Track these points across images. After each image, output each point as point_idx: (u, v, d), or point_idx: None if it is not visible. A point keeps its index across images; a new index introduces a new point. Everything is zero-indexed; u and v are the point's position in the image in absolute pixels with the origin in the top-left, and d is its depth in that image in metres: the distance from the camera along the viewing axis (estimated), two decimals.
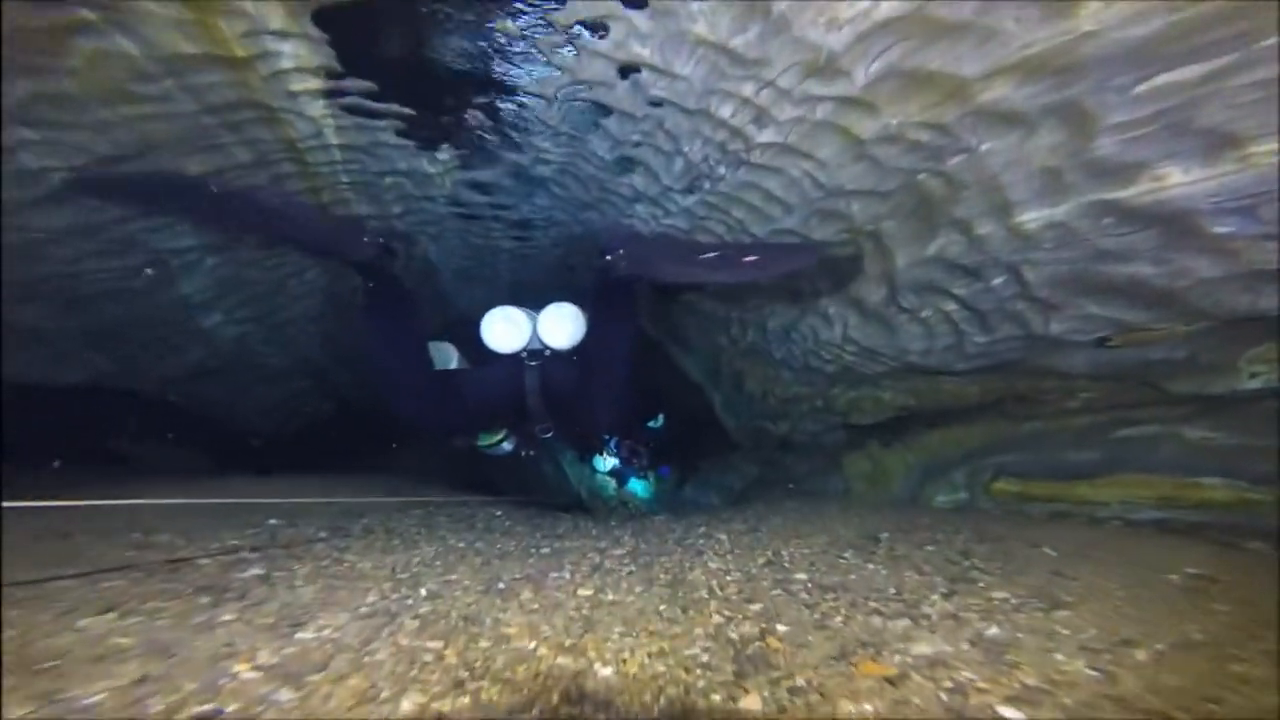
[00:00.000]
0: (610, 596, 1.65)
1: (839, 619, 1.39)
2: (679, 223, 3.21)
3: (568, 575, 1.83)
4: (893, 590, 1.53)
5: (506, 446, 3.38)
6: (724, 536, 2.30)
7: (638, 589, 1.71)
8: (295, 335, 3.84)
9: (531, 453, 3.55)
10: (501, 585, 1.70)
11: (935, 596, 1.44)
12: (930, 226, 2.24)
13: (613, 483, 6.06)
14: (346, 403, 5.30)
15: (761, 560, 1.91)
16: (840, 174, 2.35)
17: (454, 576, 1.73)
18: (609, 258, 2.61)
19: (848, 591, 1.55)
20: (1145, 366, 2.26)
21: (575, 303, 3.05)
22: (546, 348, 2.98)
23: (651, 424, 5.11)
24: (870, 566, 1.72)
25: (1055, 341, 2.21)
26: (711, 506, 4.24)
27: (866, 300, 2.76)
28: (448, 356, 3.21)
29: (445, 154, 2.95)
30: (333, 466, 4.46)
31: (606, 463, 4.92)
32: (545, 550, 2.18)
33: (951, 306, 2.42)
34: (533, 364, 2.95)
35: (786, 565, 1.84)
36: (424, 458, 5.59)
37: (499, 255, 4.20)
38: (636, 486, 6.08)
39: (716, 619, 1.46)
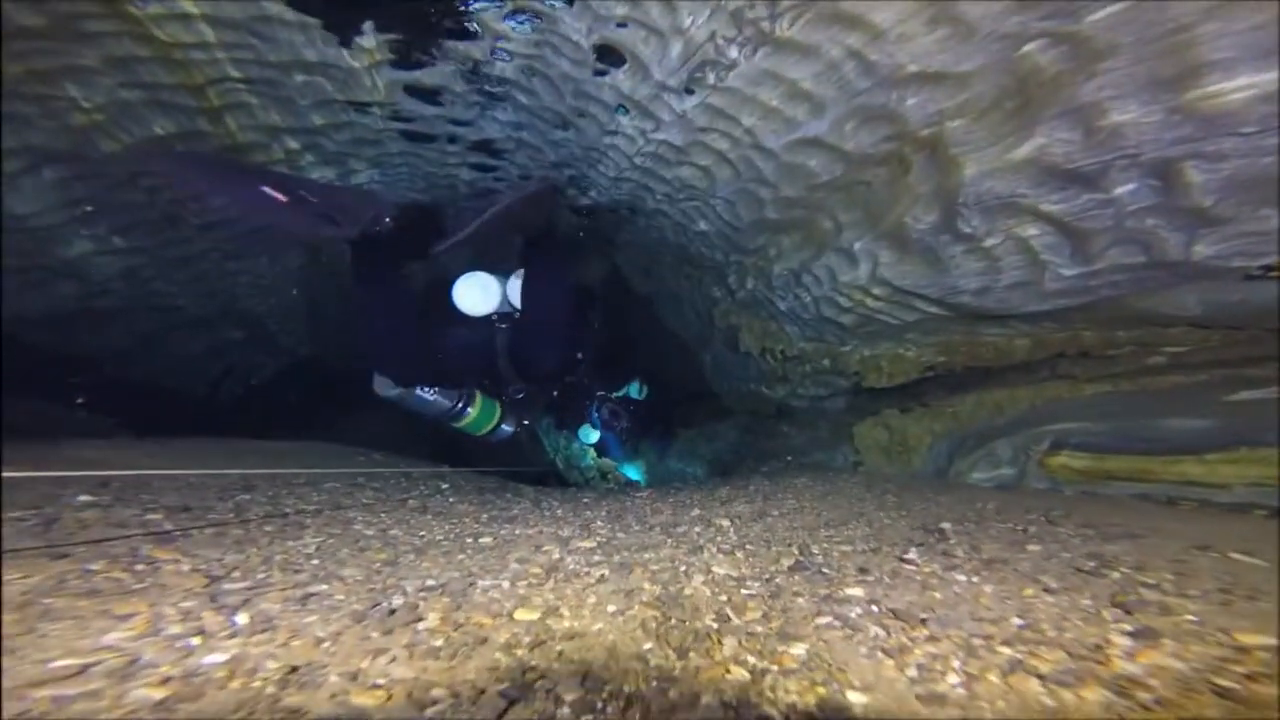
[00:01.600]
0: (566, 623, 1.03)
1: (955, 681, 0.78)
2: (672, 137, 2.54)
3: (507, 583, 1.20)
4: (1019, 620, 0.92)
5: (506, 428, 3.21)
6: (726, 523, 1.68)
7: (609, 609, 1.09)
8: (209, 273, 3.12)
9: (526, 422, 3.35)
10: (396, 602, 1.06)
11: (1119, 638, 0.83)
12: (1026, 120, 1.60)
13: (592, 451, 5.47)
14: (302, 361, 4.59)
15: (787, 562, 1.29)
16: (903, 49, 1.69)
17: (323, 587, 1.09)
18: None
19: (944, 624, 0.93)
20: None
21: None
22: (516, 310, 2.96)
23: (634, 393, 4.53)
24: (959, 577, 1.11)
25: (1189, 271, 1.59)
26: (701, 480, 3.64)
27: (909, 229, 2.13)
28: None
29: (369, 39, 2.21)
30: (279, 433, 3.78)
31: (591, 434, 4.34)
32: (486, 540, 1.55)
33: (1032, 230, 1.80)
34: (503, 326, 2.95)
35: (826, 571, 1.22)
36: (395, 427, 4.87)
37: (457, 189, 3.47)
38: (629, 470, 5.51)
39: (738, 674, 0.85)
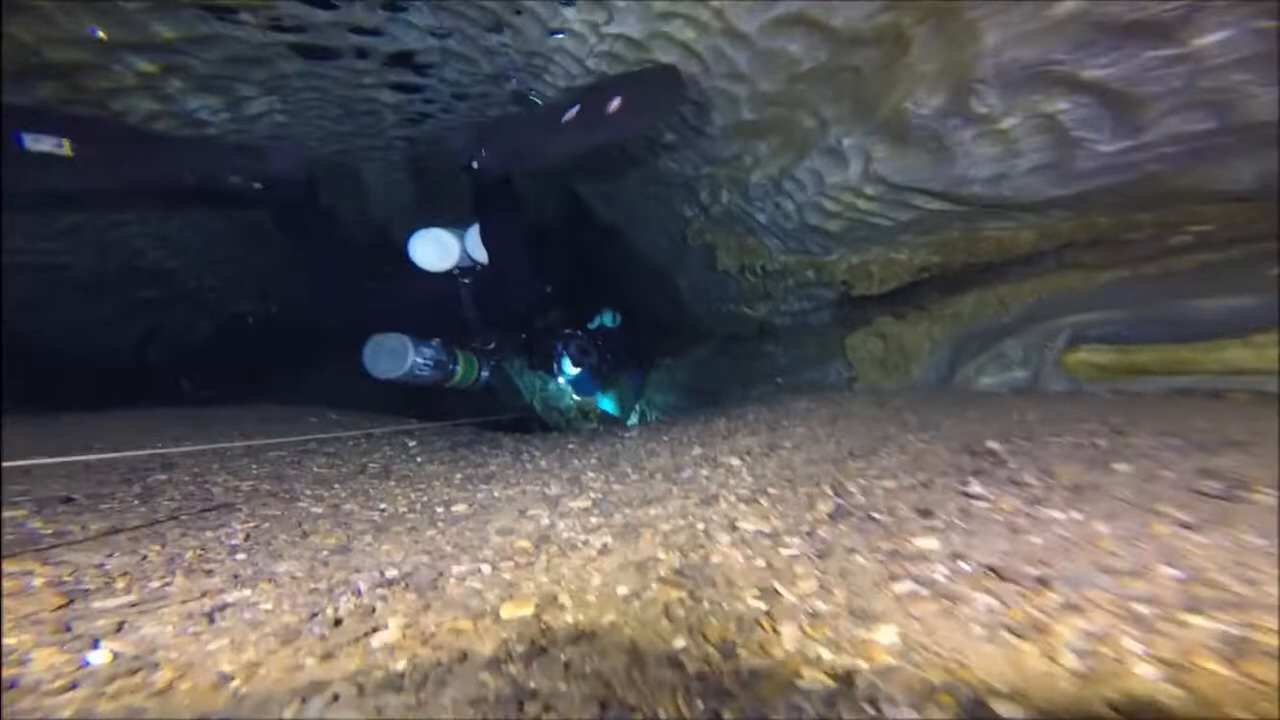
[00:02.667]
0: (569, 616, 0.77)
1: (1154, 675, 0.54)
2: (628, 29, 2.12)
3: (488, 566, 0.93)
4: (1175, 571, 0.69)
5: (484, 374, 3.19)
6: (735, 461, 1.43)
7: (621, 591, 0.83)
8: (94, 228, 2.64)
9: (495, 363, 3.28)
10: (345, 607, 0.78)
11: None
12: None
13: (571, 391, 5.21)
14: (242, 318, 4.11)
15: (824, 507, 1.04)
16: None
17: (244, 593, 0.80)
18: (474, 165, 2.51)
19: (1073, 583, 0.70)
20: None
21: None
22: (476, 264, 2.94)
23: (607, 322, 4.24)
24: (1054, 514, 0.88)
25: (1270, 134, 1.33)
26: (692, 412, 3.40)
27: (908, 116, 1.81)
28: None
29: None
30: (225, 398, 3.37)
31: (570, 370, 4.08)
32: (460, 507, 1.27)
33: (1062, 104, 1.50)
34: (465, 280, 2.95)
35: (876, 516, 0.98)
36: (353, 384, 4.46)
37: (382, 116, 2.95)
38: (604, 403, 5.26)
39: (815, 679, 0.60)
